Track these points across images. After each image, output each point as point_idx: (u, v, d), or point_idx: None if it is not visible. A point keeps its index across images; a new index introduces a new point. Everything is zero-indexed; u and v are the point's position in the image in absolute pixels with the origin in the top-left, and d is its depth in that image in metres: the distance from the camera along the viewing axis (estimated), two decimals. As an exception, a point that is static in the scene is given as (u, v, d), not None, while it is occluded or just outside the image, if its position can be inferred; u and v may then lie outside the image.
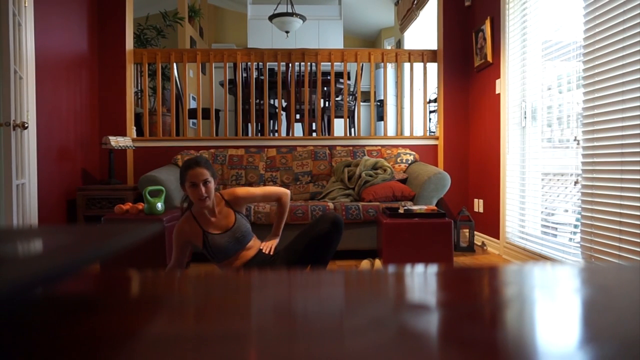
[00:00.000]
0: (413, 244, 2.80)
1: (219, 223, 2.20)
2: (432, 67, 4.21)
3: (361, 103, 6.54)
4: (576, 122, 2.60)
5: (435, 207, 3.01)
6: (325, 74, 4.60)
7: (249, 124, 4.52)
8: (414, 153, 3.88)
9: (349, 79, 4.70)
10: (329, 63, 4.17)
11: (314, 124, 4.69)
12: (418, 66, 4.17)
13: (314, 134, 4.68)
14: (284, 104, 4.77)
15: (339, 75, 4.80)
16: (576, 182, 2.53)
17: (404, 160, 3.79)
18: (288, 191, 2.39)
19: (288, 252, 2.29)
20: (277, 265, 2.26)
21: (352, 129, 4.66)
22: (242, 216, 2.27)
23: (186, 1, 6.80)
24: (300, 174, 3.83)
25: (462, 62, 4.06)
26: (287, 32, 5.95)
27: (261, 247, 2.31)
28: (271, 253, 2.30)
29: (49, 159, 3.16)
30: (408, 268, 0.36)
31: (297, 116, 4.67)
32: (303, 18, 5.80)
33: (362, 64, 4.73)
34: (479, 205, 3.84)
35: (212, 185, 2.12)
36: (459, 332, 0.23)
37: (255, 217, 3.13)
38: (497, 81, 3.46)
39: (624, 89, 2.08)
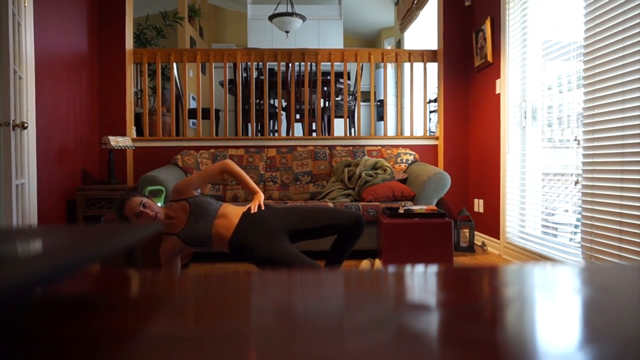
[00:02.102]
0: (413, 244, 2.80)
1: (181, 219, 2.25)
2: (432, 67, 4.21)
3: (361, 103, 6.54)
4: (576, 122, 2.60)
5: (435, 207, 3.01)
6: (325, 74, 4.59)
7: (249, 124, 4.52)
8: (414, 153, 3.88)
9: (349, 79, 4.69)
10: (329, 63, 4.17)
11: (314, 124, 4.69)
12: (418, 66, 4.17)
13: (314, 134, 4.68)
14: (284, 104, 4.77)
15: (339, 75, 4.80)
16: (576, 182, 2.53)
17: (404, 160, 3.79)
18: (226, 160, 2.41)
19: (294, 219, 2.29)
20: (274, 229, 2.25)
21: (352, 129, 4.66)
22: (192, 197, 2.28)
23: (186, 1, 6.80)
24: (300, 174, 3.83)
25: (462, 62, 4.06)
26: (287, 32, 5.95)
27: (245, 212, 2.30)
28: (262, 208, 2.31)
29: (48, 159, 3.16)
30: (408, 268, 0.36)
31: (297, 116, 4.67)
32: (303, 18, 5.80)
33: (362, 64, 4.73)
34: (479, 205, 3.83)
35: (150, 202, 2.18)
36: (459, 332, 0.23)
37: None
38: (497, 81, 3.46)
39: (624, 89, 2.08)
